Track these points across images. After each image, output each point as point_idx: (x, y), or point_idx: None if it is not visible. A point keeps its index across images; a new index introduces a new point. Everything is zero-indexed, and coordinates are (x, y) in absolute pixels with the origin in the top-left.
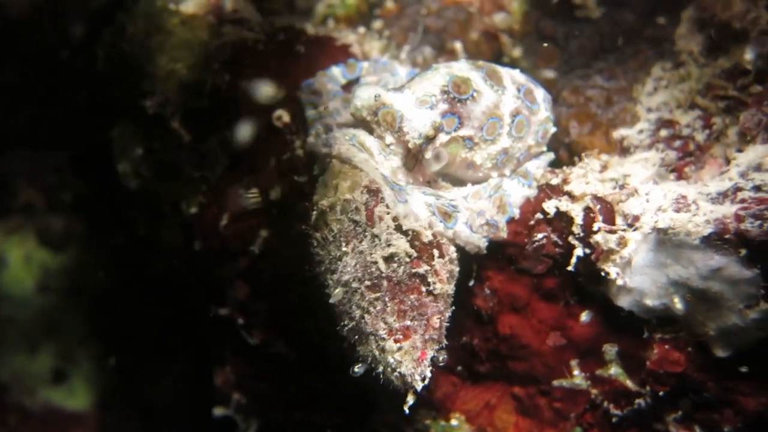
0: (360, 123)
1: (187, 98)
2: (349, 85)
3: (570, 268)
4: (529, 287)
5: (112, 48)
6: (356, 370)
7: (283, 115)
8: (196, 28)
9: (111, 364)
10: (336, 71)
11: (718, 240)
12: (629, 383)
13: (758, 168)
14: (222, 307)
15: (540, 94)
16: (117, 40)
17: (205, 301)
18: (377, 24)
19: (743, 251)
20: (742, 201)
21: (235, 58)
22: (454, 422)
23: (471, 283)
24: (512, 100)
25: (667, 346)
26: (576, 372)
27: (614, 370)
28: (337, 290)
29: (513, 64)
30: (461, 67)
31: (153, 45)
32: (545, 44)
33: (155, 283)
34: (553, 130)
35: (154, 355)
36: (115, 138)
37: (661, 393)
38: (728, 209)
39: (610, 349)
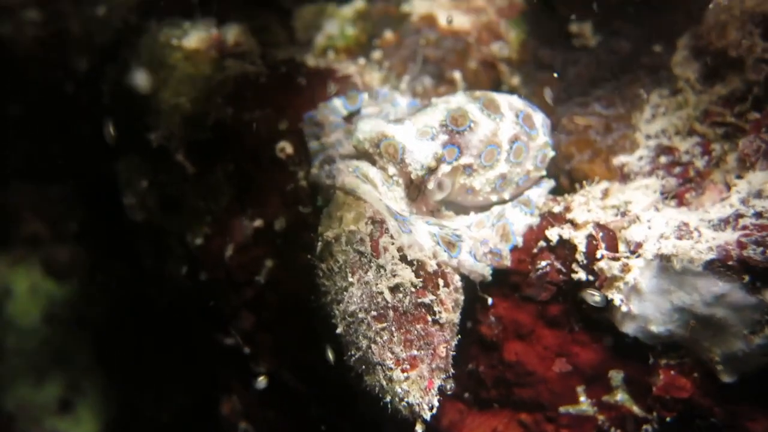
0: (362, 155)
1: (191, 132)
2: (351, 117)
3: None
4: (534, 314)
5: (116, 83)
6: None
7: (286, 147)
8: (198, 62)
9: (117, 393)
10: (337, 103)
11: (721, 266)
12: (636, 409)
13: (759, 195)
14: (228, 336)
15: (539, 119)
16: (121, 75)
17: (210, 332)
18: (377, 54)
19: (746, 277)
20: (744, 228)
21: (238, 91)
22: None
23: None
24: (510, 126)
25: (672, 372)
26: (582, 398)
27: (621, 396)
28: (341, 321)
29: (512, 92)
30: (459, 101)
31: (156, 80)
32: (544, 72)
33: (160, 313)
34: (551, 154)
35: (158, 384)
36: (121, 171)
37: (668, 419)
38: (730, 236)
39: (616, 375)
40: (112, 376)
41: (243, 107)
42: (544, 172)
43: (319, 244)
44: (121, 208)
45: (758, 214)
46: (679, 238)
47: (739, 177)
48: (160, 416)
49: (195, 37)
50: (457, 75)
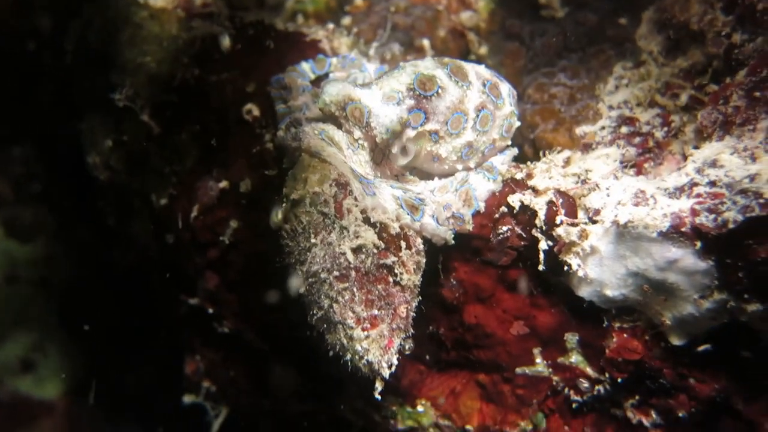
0: (329, 118)
1: (157, 92)
2: (318, 81)
3: (541, 267)
4: (494, 278)
5: (80, 41)
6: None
7: (253, 109)
8: (165, 21)
9: (80, 354)
10: (305, 66)
11: (674, 233)
12: (589, 370)
13: (713, 164)
14: (192, 297)
15: (505, 89)
16: (85, 33)
17: (175, 292)
18: (346, 20)
19: (698, 244)
20: (698, 196)
21: (205, 52)
22: (420, 408)
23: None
24: (477, 95)
25: (625, 335)
26: (538, 360)
27: (575, 358)
28: (303, 281)
29: (479, 61)
30: (427, 65)
31: (122, 38)
32: (512, 42)
33: (125, 273)
34: (517, 124)
35: (123, 344)
36: (84, 130)
37: (619, 380)
38: (684, 204)
39: (571, 338)
40: (76, 337)
41: (210, 68)
42: (509, 142)
43: (284, 205)
44: (84, 168)
45: (712, 183)
46: (636, 205)
47: (696, 148)
48: (124, 376)
49: None
50: (425, 43)
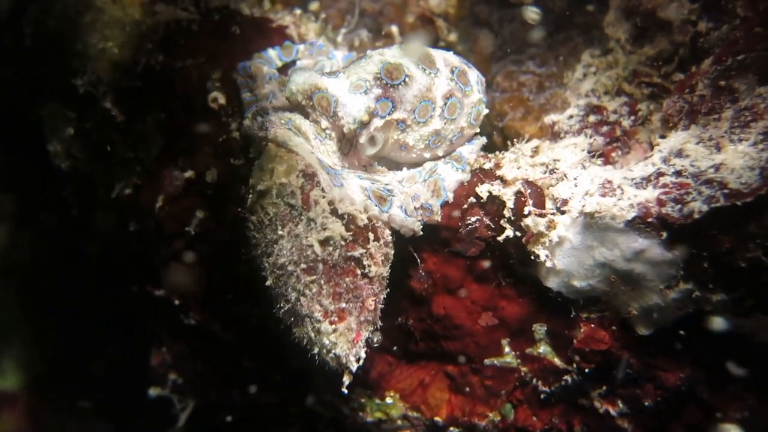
0: (295, 107)
1: (120, 78)
2: (286, 68)
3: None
4: (463, 269)
5: (39, 25)
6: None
7: (218, 97)
8: (127, 6)
9: (44, 345)
10: (272, 53)
11: (641, 223)
12: (557, 361)
13: (679, 154)
14: (158, 288)
15: (473, 76)
16: (44, 17)
17: (140, 283)
18: (314, 6)
19: (664, 234)
20: (664, 186)
21: (169, 37)
22: (388, 400)
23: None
24: (445, 82)
25: (593, 325)
26: (507, 350)
27: (543, 349)
28: (269, 273)
29: (448, 48)
30: (394, 53)
31: (83, 23)
32: (481, 29)
33: (90, 263)
34: (485, 111)
35: (87, 336)
36: (45, 117)
37: (587, 370)
38: (651, 194)
39: (539, 329)
40: (39, 328)
41: (174, 54)
42: (477, 130)
43: (250, 196)
44: (46, 156)
45: (678, 173)
46: (603, 195)
47: (663, 137)
48: (89, 368)
49: None
50: (394, 29)
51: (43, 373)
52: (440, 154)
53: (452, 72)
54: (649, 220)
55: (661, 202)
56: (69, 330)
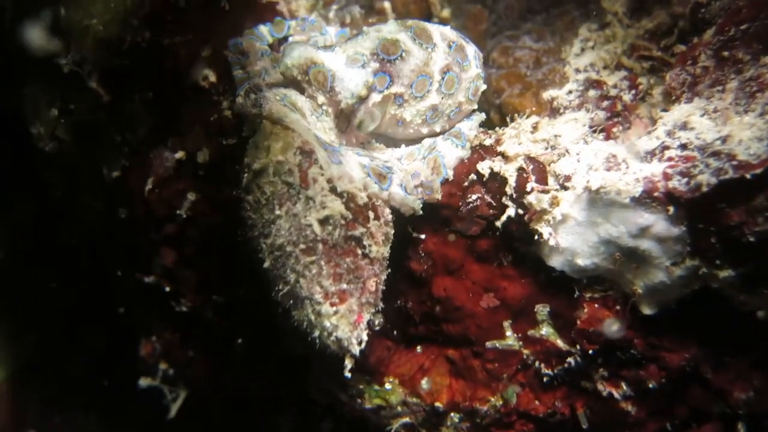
0: (290, 83)
1: (105, 56)
2: (278, 44)
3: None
4: (464, 249)
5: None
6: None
7: (209, 75)
8: None
9: (26, 336)
10: (263, 30)
11: (647, 198)
12: (560, 342)
13: (684, 126)
14: (147, 274)
15: (471, 50)
16: None
17: (128, 269)
18: None
19: (671, 209)
20: (670, 159)
21: (156, 14)
22: (387, 386)
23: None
24: (443, 56)
25: (596, 305)
26: (508, 333)
27: (545, 330)
28: (267, 254)
29: (442, 24)
30: (390, 29)
31: None
32: (474, 4)
33: (73, 250)
34: (483, 87)
35: (71, 326)
36: (27, 97)
37: (590, 351)
38: (656, 167)
39: (542, 310)
40: (21, 318)
41: (162, 31)
42: (475, 106)
43: (245, 175)
44: (27, 138)
45: (683, 146)
46: (608, 170)
47: (665, 110)
48: (74, 359)
49: None
50: (386, 5)
51: (26, 365)
52: (438, 129)
53: (449, 46)
54: (656, 194)
55: (667, 176)
56: (53, 319)
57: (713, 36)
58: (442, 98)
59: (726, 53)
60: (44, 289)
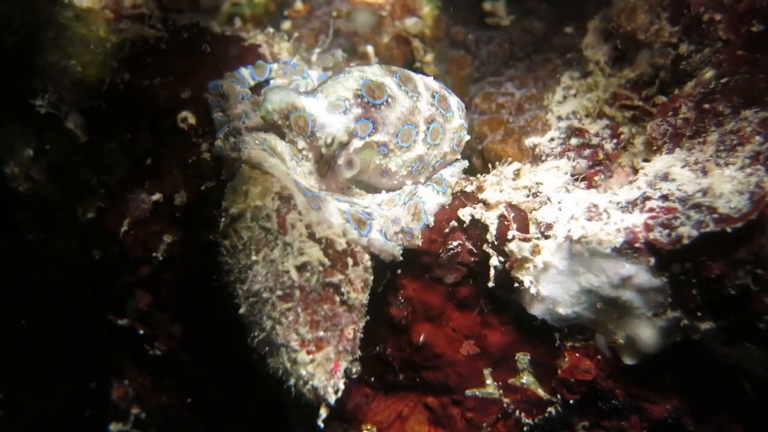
0: (271, 127)
1: (83, 97)
2: (258, 88)
3: (490, 284)
4: (444, 296)
5: None
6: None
7: (188, 117)
8: (91, 23)
9: None
10: (245, 72)
11: (628, 249)
12: (540, 391)
13: (665, 177)
14: (121, 317)
15: (454, 101)
16: (1, 34)
17: (102, 312)
18: (286, 25)
19: (652, 260)
20: (651, 210)
21: (136, 56)
22: None
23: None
24: (427, 107)
25: (577, 354)
26: (489, 381)
27: (526, 379)
28: (243, 301)
29: (425, 69)
30: (375, 71)
31: (43, 40)
32: (458, 50)
33: (44, 292)
34: (467, 138)
35: (41, 371)
36: (1, 137)
37: (571, 401)
38: (638, 218)
39: (522, 358)
40: None
41: (141, 73)
42: (459, 156)
43: (223, 220)
44: (1, 178)
45: (664, 197)
46: (589, 219)
47: (646, 160)
48: (43, 405)
49: None
50: (369, 49)
51: None
52: (422, 181)
53: (433, 96)
54: (637, 245)
55: (648, 227)
56: (20, 364)
57: (694, 87)
58: (428, 149)
59: (707, 105)
60: (15, 329)
